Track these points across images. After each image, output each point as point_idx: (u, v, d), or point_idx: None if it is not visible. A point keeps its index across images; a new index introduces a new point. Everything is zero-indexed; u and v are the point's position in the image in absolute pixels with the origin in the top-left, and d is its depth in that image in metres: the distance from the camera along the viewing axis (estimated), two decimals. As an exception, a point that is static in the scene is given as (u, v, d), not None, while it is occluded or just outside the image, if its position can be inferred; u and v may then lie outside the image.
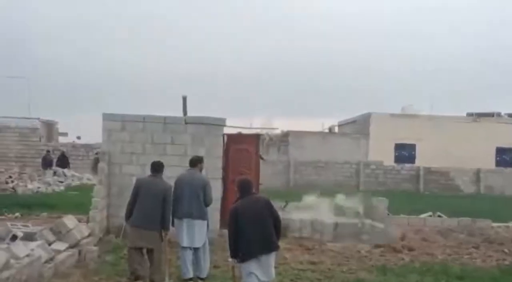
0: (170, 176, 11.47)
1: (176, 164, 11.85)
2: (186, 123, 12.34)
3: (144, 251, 8.40)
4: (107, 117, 12.30)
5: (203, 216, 8.79)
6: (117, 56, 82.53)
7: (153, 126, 12.32)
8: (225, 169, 12.75)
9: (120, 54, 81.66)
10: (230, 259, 7.00)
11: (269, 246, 6.64)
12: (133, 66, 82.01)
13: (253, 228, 6.56)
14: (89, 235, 10.55)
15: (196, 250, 8.75)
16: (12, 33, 74.62)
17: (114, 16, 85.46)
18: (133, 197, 8.40)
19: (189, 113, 12.67)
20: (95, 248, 10.08)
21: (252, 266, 6.56)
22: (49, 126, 36.28)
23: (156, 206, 8.28)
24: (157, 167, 8.68)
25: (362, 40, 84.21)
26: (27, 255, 7.93)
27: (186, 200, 8.70)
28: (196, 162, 9.19)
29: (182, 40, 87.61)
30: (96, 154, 30.11)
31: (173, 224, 8.71)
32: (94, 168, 28.81)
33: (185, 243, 8.66)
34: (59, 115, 64.13)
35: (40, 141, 33.04)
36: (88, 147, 33.16)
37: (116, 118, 12.29)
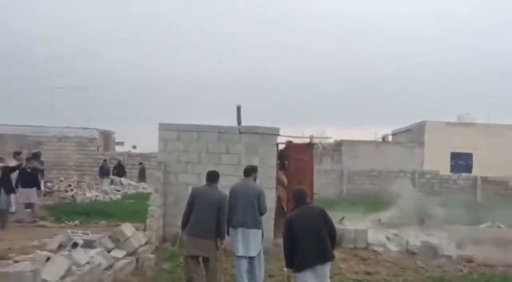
0: (224, 185, 11.61)
1: (230, 173, 11.96)
2: (240, 133, 12.45)
3: (200, 259, 8.50)
4: (163, 127, 12.52)
5: (257, 225, 8.82)
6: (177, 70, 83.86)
7: (208, 136, 12.48)
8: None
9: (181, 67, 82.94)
10: (285, 269, 7.04)
11: (324, 256, 6.63)
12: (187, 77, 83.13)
13: (309, 237, 6.58)
14: (146, 243, 10.73)
15: (251, 259, 8.80)
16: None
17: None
18: (188, 206, 8.51)
19: (235, 122, 12.81)
20: (152, 256, 10.25)
21: (307, 276, 6.56)
22: (106, 136, 37.14)
23: (211, 215, 8.37)
24: (212, 176, 8.78)
25: (413, 45, 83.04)
26: (88, 262, 8.15)
27: (240, 209, 8.76)
28: (250, 171, 9.25)
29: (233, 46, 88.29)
30: (140, 163, 30.88)
31: (228, 233, 8.78)
32: (140, 176, 29.51)
33: (240, 252, 8.71)
34: (115, 124, 65.80)
35: (97, 150, 33.85)
36: (143, 156, 33.72)
37: (172, 128, 12.50)
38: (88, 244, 9.77)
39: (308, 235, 6.58)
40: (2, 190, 14.57)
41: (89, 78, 69.15)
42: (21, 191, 15.62)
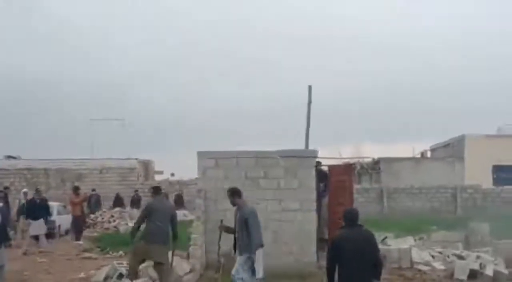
0: (270, 209, 11.78)
1: (270, 197, 12.06)
2: (279, 157, 12.47)
3: None
4: (201, 155, 12.61)
5: None
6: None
7: (246, 162, 12.52)
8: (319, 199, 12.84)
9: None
10: None
11: None
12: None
13: (353, 263, 6.30)
14: (190, 271, 10.81)
15: None
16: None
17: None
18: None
19: (281, 146, 12.88)
20: (196, 284, 10.31)
21: None
22: (146, 165, 37.64)
23: None
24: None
25: (445, 57, 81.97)
26: (135, 293, 8.29)
27: (260, 229, 8.67)
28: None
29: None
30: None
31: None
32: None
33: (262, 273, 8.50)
34: (153, 153, 66.67)
35: (137, 179, 34.31)
36: (182, 184, 34.09)
37: (210, 156, 12.59)
38: (134, 275, 9.92)
39: (353, 260, 6.30)
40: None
41: (125, 110, 70.62)
42: (32, 223, 16.22)
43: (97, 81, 76.68)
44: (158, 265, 9.52)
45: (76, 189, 19.86)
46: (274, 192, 12.16)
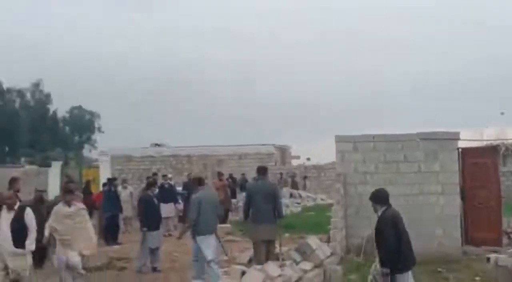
0: (404, 193, 11.53)
1: (410, 181, 11.81)
2: (419, 139, 12.14)
3: None
4: (339, 139, 12.59)
5: None
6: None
7: (384, 145, 12.34)
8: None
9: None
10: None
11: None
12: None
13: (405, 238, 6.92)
14: (331, 255, 10.85)
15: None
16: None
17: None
18: None
19: (419, 129, 12.54)
20: (338, 267, 10.31)
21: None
22: (283, 151, 38.23)
23: None
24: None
25: None
26: (279, 275, 8.51)
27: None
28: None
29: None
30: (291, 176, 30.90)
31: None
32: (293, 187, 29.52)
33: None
34: (291, 139, 67.64)
35: (275, 164, 34.92)
36: (319, 168, 34.28)
37: (348, 140, 12.52)
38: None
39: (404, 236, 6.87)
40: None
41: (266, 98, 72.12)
42: (161, 206, 16.83)
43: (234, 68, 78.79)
44: (267, 243, 9.99)
45: (220, 174, 20.58)
46: (415, 175, 11.91)
